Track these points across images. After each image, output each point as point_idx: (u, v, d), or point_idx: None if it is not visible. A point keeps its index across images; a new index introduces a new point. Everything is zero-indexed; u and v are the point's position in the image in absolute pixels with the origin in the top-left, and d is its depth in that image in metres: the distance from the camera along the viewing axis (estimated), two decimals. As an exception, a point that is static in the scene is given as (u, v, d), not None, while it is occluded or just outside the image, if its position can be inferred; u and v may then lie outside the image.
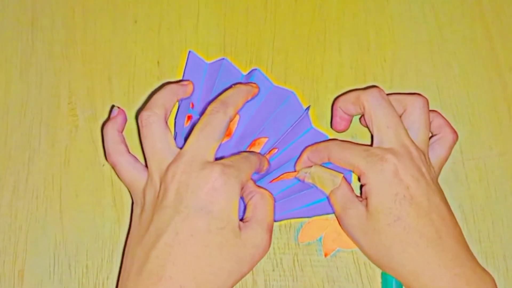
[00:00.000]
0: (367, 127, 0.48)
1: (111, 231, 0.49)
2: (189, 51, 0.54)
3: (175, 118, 0.52)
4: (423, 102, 0.48)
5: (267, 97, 0.52)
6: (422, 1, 0.57)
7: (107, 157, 0.47)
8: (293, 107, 0.52)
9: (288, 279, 0.49)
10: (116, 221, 0.50)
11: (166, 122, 0.46)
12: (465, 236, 0.46)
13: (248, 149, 0.51)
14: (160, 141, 0.45)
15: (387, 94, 0.48)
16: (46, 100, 0.53)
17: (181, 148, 0.45)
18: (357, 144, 0.48)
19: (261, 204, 0.45)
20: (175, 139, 0.50)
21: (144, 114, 0.45)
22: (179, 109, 0.51)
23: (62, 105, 0.53)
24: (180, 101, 0.52)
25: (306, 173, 0.49)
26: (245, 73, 0.53)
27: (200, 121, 0.45)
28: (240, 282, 0.48)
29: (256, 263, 0.44)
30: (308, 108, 0.52)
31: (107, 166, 0.51)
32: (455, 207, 0.50)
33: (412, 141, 0.46)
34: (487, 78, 0.54)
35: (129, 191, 0.49)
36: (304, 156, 0.49)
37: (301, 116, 0.51)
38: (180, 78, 0.54)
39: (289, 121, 0.51)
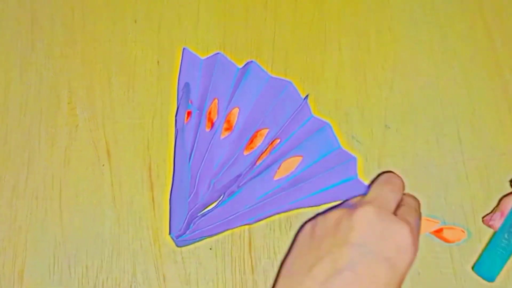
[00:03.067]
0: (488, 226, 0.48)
1: (111, 231, 0.49)
2: (184, 48, 0.54)
3: (176, 116, 0.52)
4: None
5: (264, 89, 0.52)
6: (422, 1, 0.57)
7: None
8: (292, 96, 0.52)
9: (288, 279, 0.49)
10: (116, 221, 0.50)
11: None
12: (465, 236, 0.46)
13: (250, 141, 0.51)
14: None
15: None
16: (46, 100, 0.53)
17: None
18: None
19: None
20: (176, 135, 0.50)
21: None
22: (180, 107, 0.51)
23: (62, 105, 0.53)
24: (180, 99, 0.52)
25: None
26: (240, 66, 0.54)
27: (383, 179, 0.46)
28: (240, 282, 0.48)
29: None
30: (307, 96, 0.52)
31: (107, 166, 0.51)
32: (456, 207, 0.50)
33: None
34: (487, 78, 0.54)
35: None
36: None
37: (300, 105, 0.52)
38: (177, 75, 0.54)
39: (289, 110, 0.52)
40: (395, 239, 0.41)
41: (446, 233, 0.49)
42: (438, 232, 0.49)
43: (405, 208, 0.45)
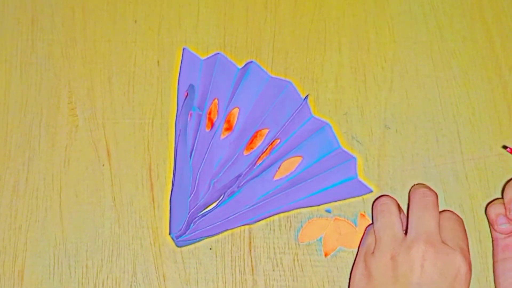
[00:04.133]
0: None
1: (111, 231, 0.49)
2: (184, 48, 0.54)
3: (177, 117, 0.52)
4: None
5: (264, 89, 0.52)
6: (422, 1, 0.57)
7: None
8: (292, 96, 0.52)
9: (288, 279, 0.49)
10: (116, 221, 0.50)
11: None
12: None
13: (250, 141, 0.51)
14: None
15: None
16: (46, 100, 0.53)
17: None
18: None
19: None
20: (178, 136, 0.50)
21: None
22: (183, 107, 0.51)
23: (62, 105, 0.53)
24: (181, 100, 0.52)
25: None
26: (240, 66, 0.54)
27: (417, 203, 0.46)
28: (240, 282, 0.48)
29: None
30: (306, 97, 0.52)
31: (107, 166, 0.51)
32: (455, 207, 0.50)
33: None
34: (487, 78, 0.54)
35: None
36: None
37: (300, 105, 0.52)
38: (177, 75, 0.54)
39: (289, 111, 0.52)
40: (454, 269, 0.43)
41: None
42: None
43: (450, 230, 0.46)
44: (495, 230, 0.47)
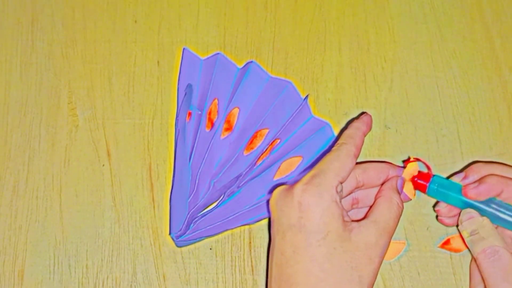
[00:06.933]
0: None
1: (111, 231, 0.49)
2: (184, 48, 0.54)
3: (177, 116, 0.52)
4: None
5: (265, 89, 0.52)
6: (422, 1, 0.57)
7: None
8: (292, 96, 0.52)
9: (288, 279, 0.49)
10: (116, 221, 0.50)
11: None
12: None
13: (250, 141, 0.51)
14: None
15: None
16: (46, 100, 0.53)
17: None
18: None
19: (383, 206, 0.43)
20: (177, 136, 0.50)
21: None
22: (181, 107, 0.51)
23: (62, 105, 0.53)
24: (181, 100, 0.52)
25: (471, 223, 0.45)
26: (240, 66, 0.54)
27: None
28: (240, 282, 0.48)
29: (379, 266, 0.41)
30: (306, 97, 0.52)
31: (107, 166, 0.51)
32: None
33: None
34: (487, 78, 0.54)
35: None
36: None
37: (300, 105, 0.52)
38: (177, 75, 0.54)
39: (289, 111, 0.52)
40: (293, 201, 0.41)
41: (454, 243, 0.49)
42: (446, 244, 0.49)
43: None
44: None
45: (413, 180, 0.47)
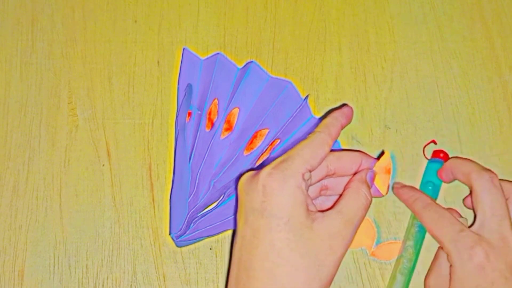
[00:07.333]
0: (471, 208, 0.47)
1: (111, 231, 0.49)
2: (184, 48, 0.54)
3: (177, 117, 0.52)
4: None
5: (265, 89, 0.52)
6: (422, 1, 0.57)
7: None
8: (292, 97, 0.52)
9: (288, 279, 0.49)
10: (116, 221, 0.50)
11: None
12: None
13: (250, 142, 0.51)
14: None
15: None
16: (46, 100, 0.53)
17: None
18: (454, 218, 0.45)
19: (350, 197, 0.42)
20: (177, 136, 0.50)
21: None
22: (181, 107, 0.51)
23: (62, 105, 0.53)
24: (181, 100, 0.52)
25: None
26: (240, 66, 0.54)
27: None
28: (240, 282, 0.48)
29: (341, 257, 0.40)
30: (307, 97, 0.53)
31: (107, 166, 0.51)
32: (456, 207, 0.50)
33: None
34: (487, 78, 0.54)
35: None
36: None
37: (300, 105, 0.52)
38: (177, 75, 0.54)
39: (289, 111, 0.52)
40: (257, 185, 0.40)
41: (378, 253, 0.49)
42: (373, 254, 0.49)
43: None
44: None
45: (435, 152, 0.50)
